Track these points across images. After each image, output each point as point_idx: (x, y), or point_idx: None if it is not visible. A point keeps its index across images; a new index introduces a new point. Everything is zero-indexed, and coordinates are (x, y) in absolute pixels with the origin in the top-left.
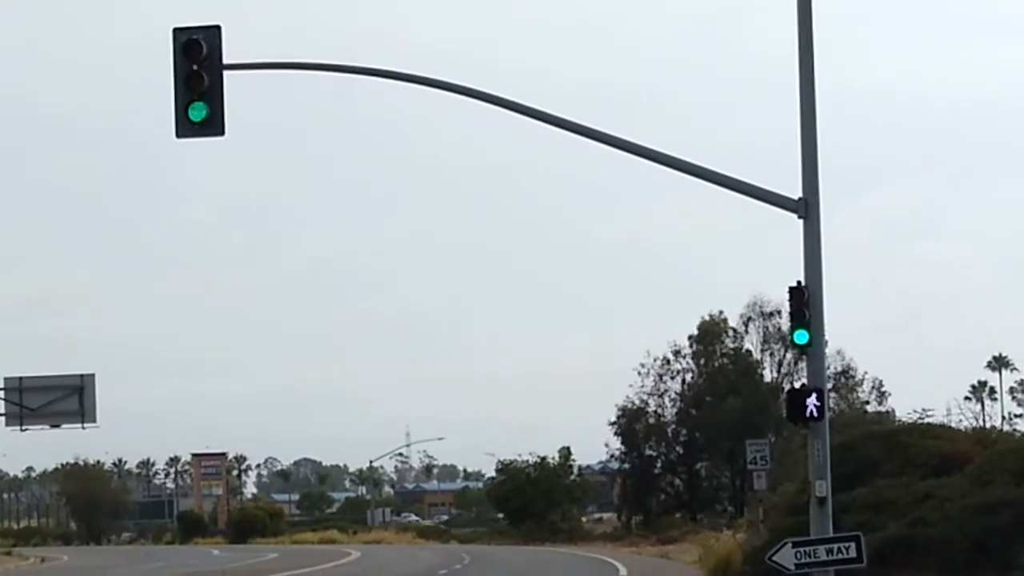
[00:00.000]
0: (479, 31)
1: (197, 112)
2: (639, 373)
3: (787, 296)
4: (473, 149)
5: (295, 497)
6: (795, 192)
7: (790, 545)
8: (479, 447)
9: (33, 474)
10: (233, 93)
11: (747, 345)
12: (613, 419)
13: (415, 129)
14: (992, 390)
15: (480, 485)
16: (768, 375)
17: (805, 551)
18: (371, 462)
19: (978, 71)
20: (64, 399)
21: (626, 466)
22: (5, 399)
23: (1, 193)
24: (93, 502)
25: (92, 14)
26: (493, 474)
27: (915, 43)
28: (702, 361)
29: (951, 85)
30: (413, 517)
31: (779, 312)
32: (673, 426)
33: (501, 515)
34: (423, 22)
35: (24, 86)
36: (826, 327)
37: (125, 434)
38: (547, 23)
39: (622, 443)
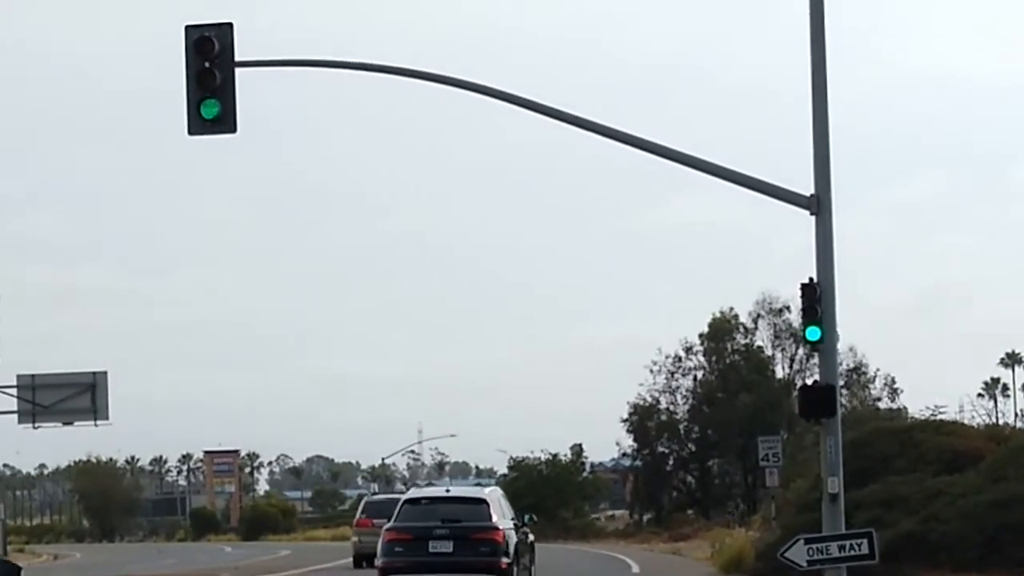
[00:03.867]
0: (490, 25)
1: (209, 109)
2: (651, 370)
3: (799, 292)
4: (479, 141)
5: (307, 494)
6: (807, 188)
7: (802, 541)
8: (491, 444)
9: (46, 471)
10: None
11: (759, 342)
12: (625, 416)
13: (432, 123)
14: (1005, 387)
15: (492, 482)
16: (780, 371)
17: (817, 547)
18: (383, 459)
19: (998, 59)
20: (76, 396)
21: (638, 463)
22: (18, 396)
23: (24, 184)
24: (106, 499)
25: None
26: (505, 471)
27: (932, 34)
28: (714, 358)
29: (970, 75)
30: None
31: (788, 308)
32: (685, 423)
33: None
34: (438, 17)
35: (35, 83)
36: (838, 323)
37: (137, 431)
38: (555, 16)
39: (634, 440)
